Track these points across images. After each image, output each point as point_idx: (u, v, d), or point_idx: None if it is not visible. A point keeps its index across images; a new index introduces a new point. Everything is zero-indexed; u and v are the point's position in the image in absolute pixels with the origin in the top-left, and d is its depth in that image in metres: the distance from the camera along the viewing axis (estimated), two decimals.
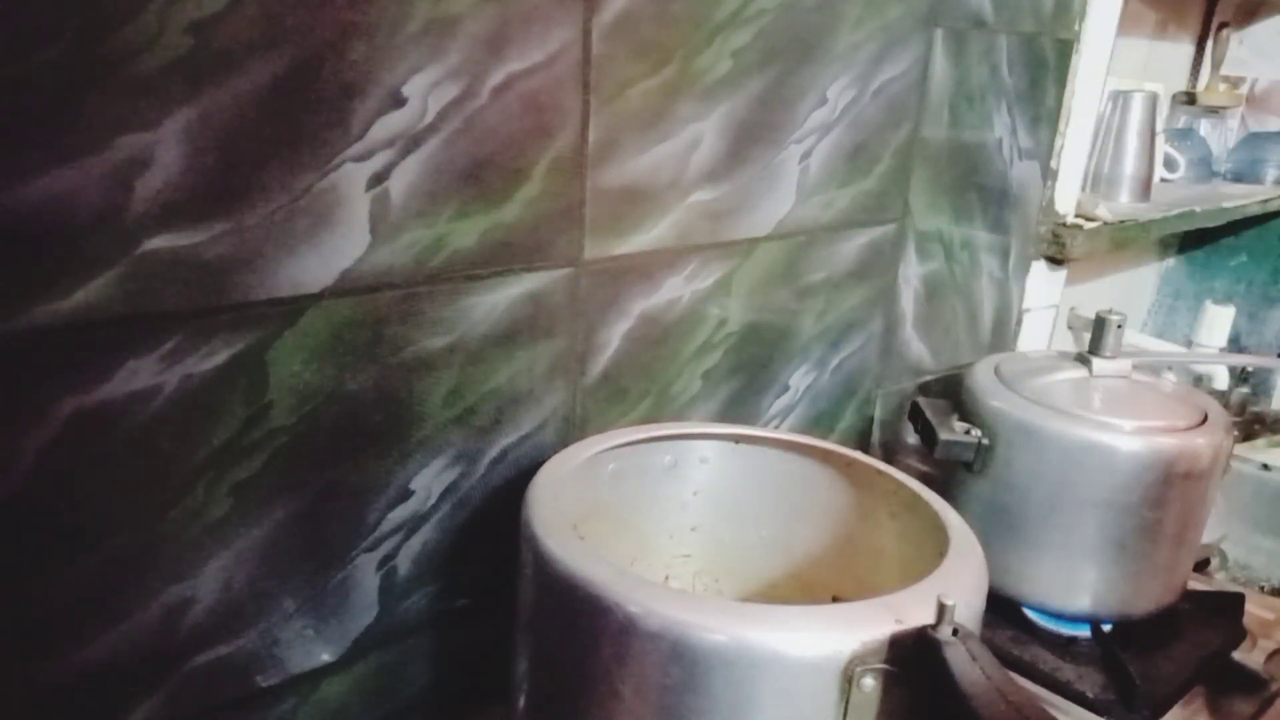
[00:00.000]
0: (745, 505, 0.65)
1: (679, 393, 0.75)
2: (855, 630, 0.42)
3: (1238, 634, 0.81)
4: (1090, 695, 0.71)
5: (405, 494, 0.60)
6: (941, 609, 0.41)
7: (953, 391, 0.84)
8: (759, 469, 0.64)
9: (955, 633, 0.41)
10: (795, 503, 0.64)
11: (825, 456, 0.62)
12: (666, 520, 0.66)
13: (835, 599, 0.63)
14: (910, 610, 0.42)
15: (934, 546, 0.53)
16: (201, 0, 0.44)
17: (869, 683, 0.41)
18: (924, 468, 0.90)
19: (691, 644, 0.42)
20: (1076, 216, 1.12)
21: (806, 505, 0.63)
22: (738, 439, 0.64)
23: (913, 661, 0.41)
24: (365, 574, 0.60)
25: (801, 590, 0.65)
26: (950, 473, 0.80)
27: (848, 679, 0.41)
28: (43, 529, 0.46)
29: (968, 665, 0.39)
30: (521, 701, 0.53)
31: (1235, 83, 1.49)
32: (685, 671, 0.42)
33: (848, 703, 0.42)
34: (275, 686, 0.58)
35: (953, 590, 0.44)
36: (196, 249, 0.47)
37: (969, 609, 0.45)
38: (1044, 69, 0.98)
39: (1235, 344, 1.44)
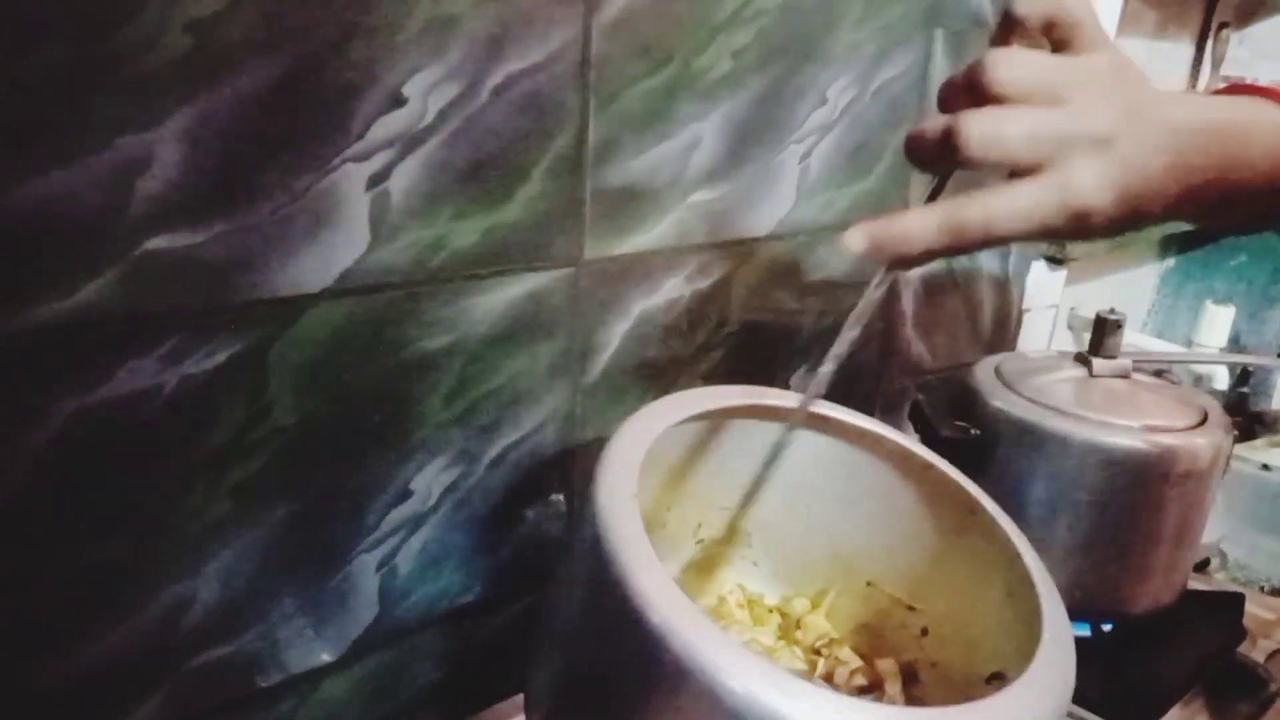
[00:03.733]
0: (801, 478, 0.62)
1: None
2: None
3: (1238, 634, 0.81)
4: (1090, 695, 0.71)
5: (405, 494, 0.60)
6: None
7: (953, 391, 0.84)
8: (823, 447, 0.62)
9: None
10: (853, 488, 0.61)
11: (901, 454, 0.60)
12: (715, 479, 0.62)
13: (869, 584, 0.61)
14: None
15: (1001, 580, 0.51)
16: (201, 0, 0.44)
17: None
18: None
19: (747, 710, 0.37)
20: None
21: (865, 493, 0.61)
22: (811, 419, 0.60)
23: None
24: (365, 574, 0.60)
25: (835, 565, 0.62)
26: None
27: None
28: (43, 529, 0.46)
29: None
30: (544, 708, 0.50)
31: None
32: None
33: None
34: (275, 686, 0.58)
35: (1046, 702, 0.41)
36: (196, 249, 0.47)
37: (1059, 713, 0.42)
38: None
39: (1235, 344, 1.44)
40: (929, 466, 0.59)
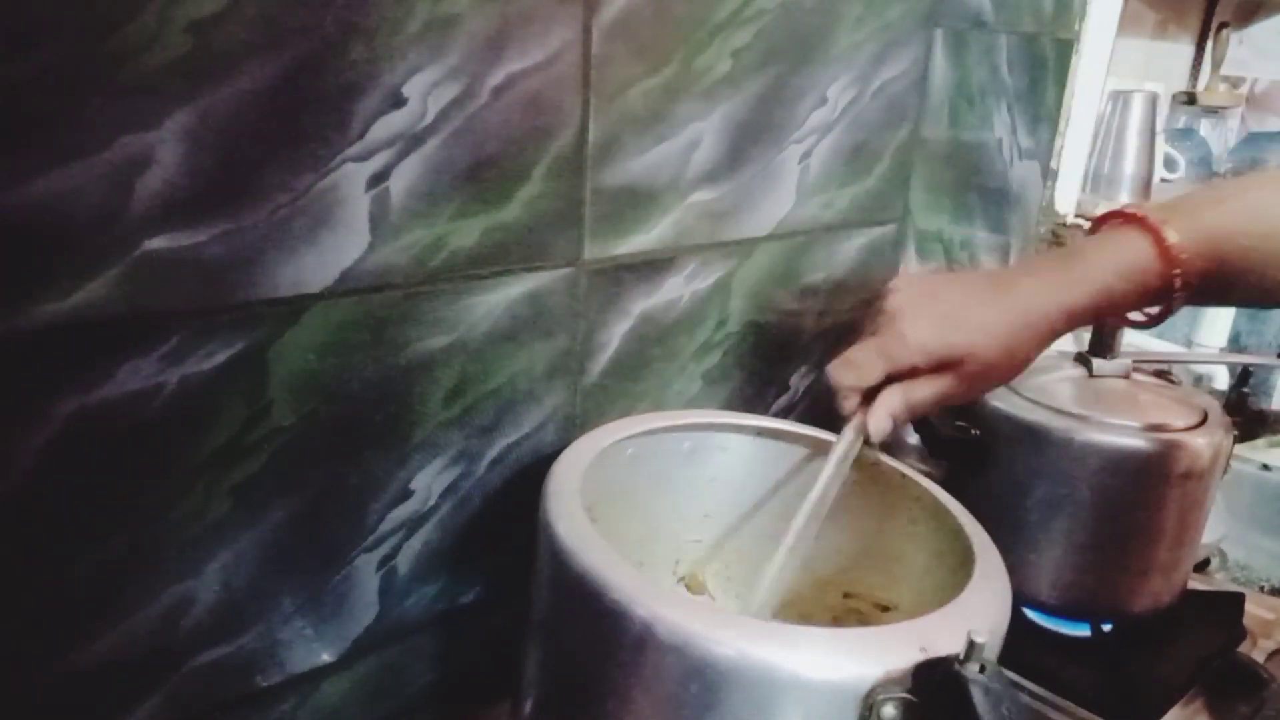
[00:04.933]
0: (761, 495, 0.65)
1: (679, 393, 0.75)
2: (880, 657, 0.41)
3: (1238, 634, 0.81)
4: (1090, 695, 0.71)
5: (405, 494, 0.60)
6: (971, 645, 0.40)
7: None
8: (778, 461, 0.64)
9: (983, 670, 0.40)
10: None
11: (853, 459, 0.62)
12: (680, 505, 0.65)
13: (846, 595, 0.63)
14: (936, 637, 0.41)
15: (953, 558, 0.52)
16: (201, 0, 0.44)
17: (890, 711, 0.40)
18: (924, 468, 0.90)
19: (712, 660, 0.41)
20: (1076, 216, 1.12)
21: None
22: (759, 431, 0.64)
23: (936, 694, 0.40)
24: (365, 574, 0.60)
25: (811, 582, 0.64)
26: (950, 473, 0.80)
27: (869, 706, 0.40)
28: (43, 529, 0.46)
29: (993, 705, 0.38)
30: (530, 697, 0.53)
31: (1235, 83, 1.49)
32: (704, 687, 0.41)
33: None
34: (275, 686, 0.58)
35: (980, 617, 0.43)
36: (196, 249, 0.47)
37: (994, 636, 0.44)
38: (1044, 69, 0.98)
39: (1235, 344, 1.44)
40: (875, 462, 0.60)
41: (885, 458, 0.61)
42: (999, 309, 0.55)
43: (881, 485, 0.60)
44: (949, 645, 0.41)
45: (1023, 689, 0.72)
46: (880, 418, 0.56)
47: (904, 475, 0.59)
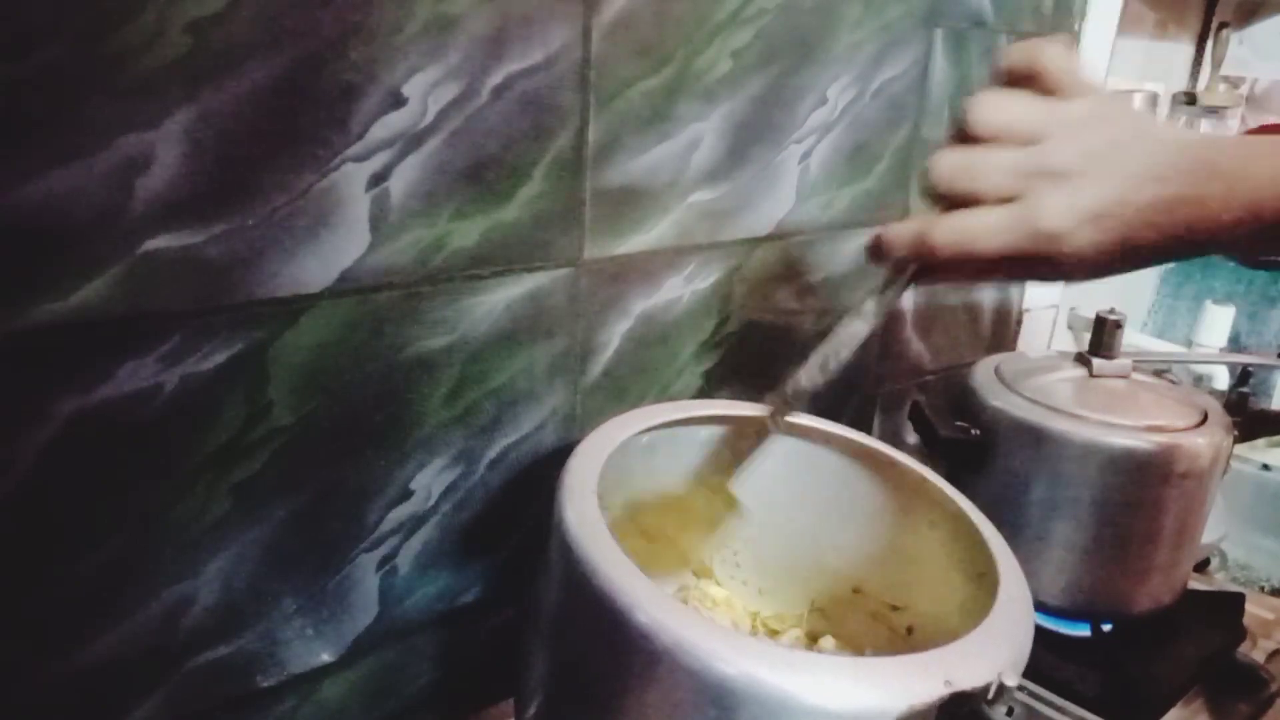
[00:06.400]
0: (777, 488, 0.64)
1: (679, 393, 0.75)
2: (904, 689, 0.40)
3: (1238, 634, 0.81)
4: (1090, 695, 0.71)
5: (405, 494, 0.60)
6: (1001, 689, 0.39)
7: (953, 391, 0.84)
8: (797, 455, 0.63)
9: (1010, 712, 0.39)
10: (830, 493, 0.63)
11: (868, 454, 0.61)
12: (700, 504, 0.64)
13: (856, 591, 0.63)
14: (961, 670, 0.41)
15: (971, 567, 0.52)
16: (201, 0, 0.44)
17: None
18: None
19: (729, 683, 0.40)
20: None
21: (841, 497, 0.62)
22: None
23: None
24: (365, 574, 0.60)
25: (822, 575, 0.63)
26: (950, 473, 0.80)
27: None
28: (43, 529, 0.46)
29: None
30: (536, 697, 0.52)
31: (1235, 83, 1.49)
32: (718, 711, 0.40)
33: None
34: (275, 686, 0.58)
35: (1007, 647, 0.43)
36: (196, 249, 0.47)
37: (1019, 665, 0.43)
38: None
39: (1235, 344, 1.44)
40: (893, 463, 0.60)
41: (907, 459, 0.60)
42: (1167, 229, 0.44)
43: (901, 486, 0.60)
44: (974, 677, 0.40)
45: (1023, 689, 0.72)
46: (945, 232, 0.46)
47: (925, 478, 0.58)
